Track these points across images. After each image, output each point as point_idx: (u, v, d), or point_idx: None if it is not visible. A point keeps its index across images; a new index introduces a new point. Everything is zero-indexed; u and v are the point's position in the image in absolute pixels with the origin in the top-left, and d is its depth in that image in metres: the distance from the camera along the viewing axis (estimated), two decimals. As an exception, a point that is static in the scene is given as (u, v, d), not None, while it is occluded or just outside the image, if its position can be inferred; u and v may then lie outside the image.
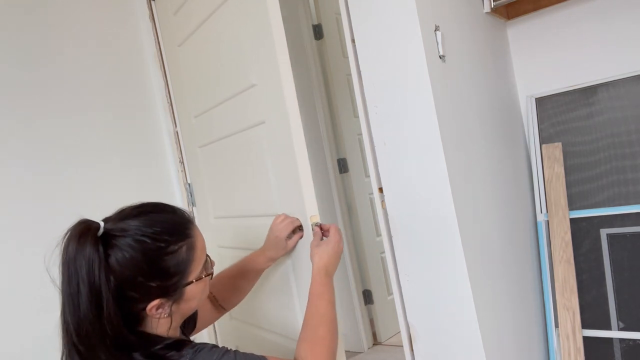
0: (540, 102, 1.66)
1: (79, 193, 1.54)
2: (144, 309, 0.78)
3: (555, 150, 1.57)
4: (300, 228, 1.17)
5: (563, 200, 1.51)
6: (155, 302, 0.78)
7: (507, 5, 1.64)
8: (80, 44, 1.63)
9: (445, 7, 1.28)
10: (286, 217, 1.19)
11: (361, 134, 1.28)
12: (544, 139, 1.62)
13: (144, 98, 1.78)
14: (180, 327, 0.97)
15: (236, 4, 1.30)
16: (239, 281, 1.21)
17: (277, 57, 1.16)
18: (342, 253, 1.10)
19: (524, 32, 1.71)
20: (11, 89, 1.44)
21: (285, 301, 1.29)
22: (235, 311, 1.61)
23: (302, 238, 1.18)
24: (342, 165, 2.63)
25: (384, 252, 1.30)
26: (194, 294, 0.84)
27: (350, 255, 2.59)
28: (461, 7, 1.39)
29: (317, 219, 1.15)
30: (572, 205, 1.51)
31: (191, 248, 0.83)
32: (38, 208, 1.44)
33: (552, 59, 1.67)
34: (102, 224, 0.78)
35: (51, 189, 1.48)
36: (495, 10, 1.56)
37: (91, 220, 0.78)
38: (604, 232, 1.44)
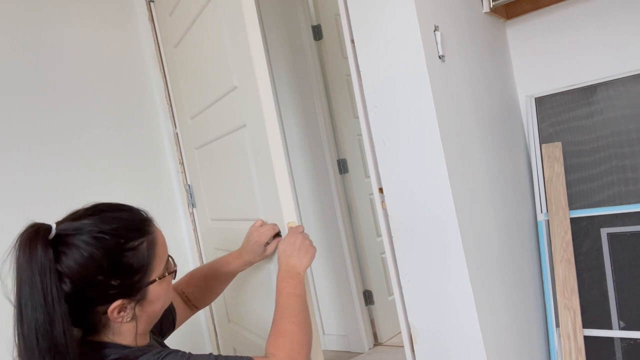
0: (540, 101, 1.66)
1: (79, 195, 1.54)
2: (106, 312, 0.74)
3: (555, 149, 1.57)
4: (279, 234, 1.16)
5: (563, 200, 1.51)
6: (117, 303, 0.74)
7: (506, 5, 1.64)
8: (81, 46, 1.63)
9: (445, 7, 1.28)
10: (264, 222, 1.18)
11: (361, 135, 1.28)
12: (543, 139, 1.61)
13: (144, 99, 1.78)
14: (154, 331, 0.94)
15: (217, 5, 1.29)
16: (211, 282, 1.20)
17: (253, 59, 1.15)
18: (304, 248, 1.06)
19: (523, 31, 1.71)
20: (10, 90, 1.44)
21: (270, 307, 1.30)
22: (233, 315, 1.61)
23: None
24: (342, 166, 2.63)
25: (384, 252, 1.29)
26: (158, 294, 0.81)
27: (351, 256, 2.59)
28: (460, 8, 1.39)
29: (294, 226, 1.14)
30: (573, 204, 1.51)
31: (152, 245, 0.80)
32: (35, 213, 1.43)
33: (551, 59, 1.67)
34: (54, 225, 0.74)
35: (51, 191, 1.48)
36: (494, 10, 1.56)
37: (41, 223, 0.74)
38: (604, 232, 1.44)
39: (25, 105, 1.47)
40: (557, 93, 1.63)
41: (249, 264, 1.20)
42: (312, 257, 1.07)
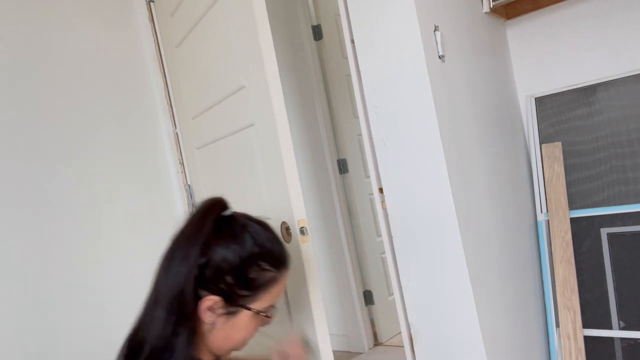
0: (540, 101, 1.66)
1: (79, 195, 1.54)
2: (201, 298, 0.79)
3: (555, 149, 1.57)
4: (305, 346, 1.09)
5: (563, 200, 1.51)
6: (215, 298, 0.78)
7: (506, 5, 1.64)
8: (81, 46, 1.63)
9: (445, 7, 1.28)
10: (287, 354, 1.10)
11: (361, 135, 1.28)
12: (543, 139, 1.62)
13: (144, 99, 1.78)
14: None
15: (224, 5, 1.29)
16: None
17: (263, 58, 1.15)
18: None
19: (524, 31, 1.71)
20: (11, 90, 1.44)
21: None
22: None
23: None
24: (342, 166, 2.63)
25: (384, 252, 1.29)
26: (244, 325, 0.83)
27: (351, 256, 2.59)
28: (460, 8, 1.39)
29: (305, 224, 1.13)
30: (573, 204, 1.51)
31: (273, 281, 0.84)
32: (34, 213, 1.44)
33: (551, 59, 1.67)
34: (232, 210, 0.86)
35: (51, 192, 1.48)
36: (494, 10, 1.56)
37: (226, 202, 0.86)
38: (604, 232, 1.44)
39: (26, 105, 1.47)
40: (557, 93, 1.63)
41: None
42: None
